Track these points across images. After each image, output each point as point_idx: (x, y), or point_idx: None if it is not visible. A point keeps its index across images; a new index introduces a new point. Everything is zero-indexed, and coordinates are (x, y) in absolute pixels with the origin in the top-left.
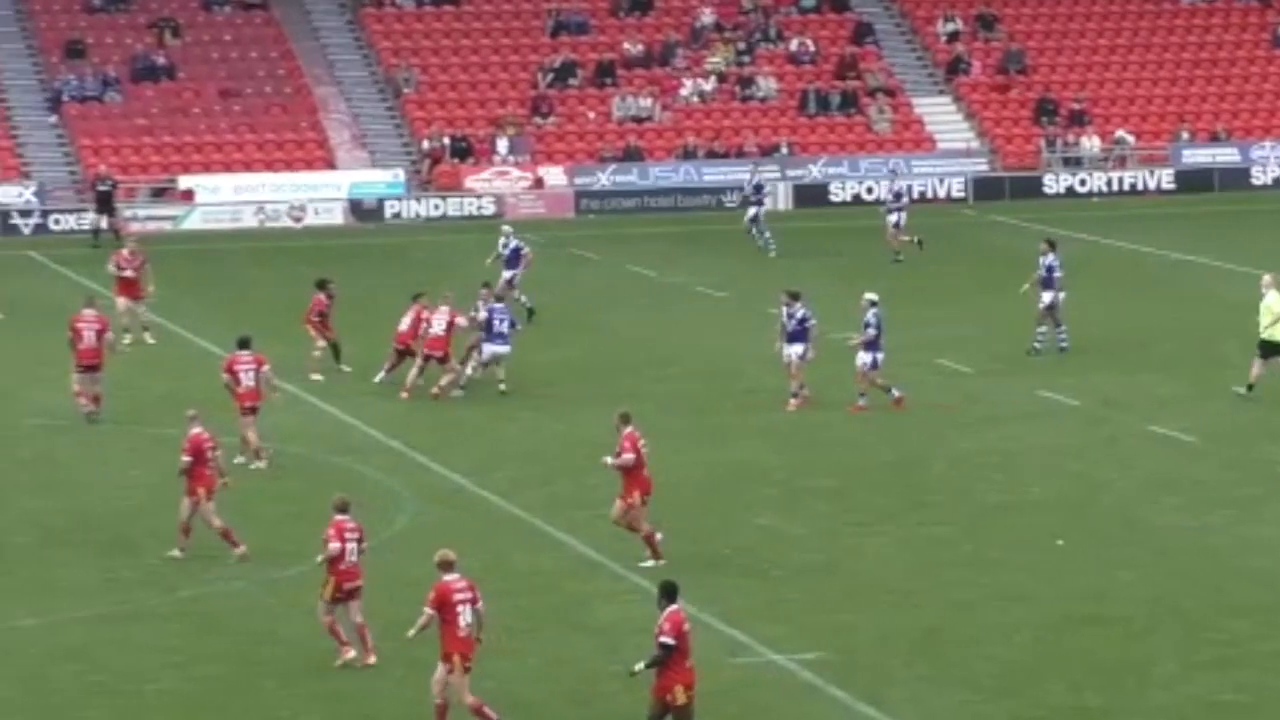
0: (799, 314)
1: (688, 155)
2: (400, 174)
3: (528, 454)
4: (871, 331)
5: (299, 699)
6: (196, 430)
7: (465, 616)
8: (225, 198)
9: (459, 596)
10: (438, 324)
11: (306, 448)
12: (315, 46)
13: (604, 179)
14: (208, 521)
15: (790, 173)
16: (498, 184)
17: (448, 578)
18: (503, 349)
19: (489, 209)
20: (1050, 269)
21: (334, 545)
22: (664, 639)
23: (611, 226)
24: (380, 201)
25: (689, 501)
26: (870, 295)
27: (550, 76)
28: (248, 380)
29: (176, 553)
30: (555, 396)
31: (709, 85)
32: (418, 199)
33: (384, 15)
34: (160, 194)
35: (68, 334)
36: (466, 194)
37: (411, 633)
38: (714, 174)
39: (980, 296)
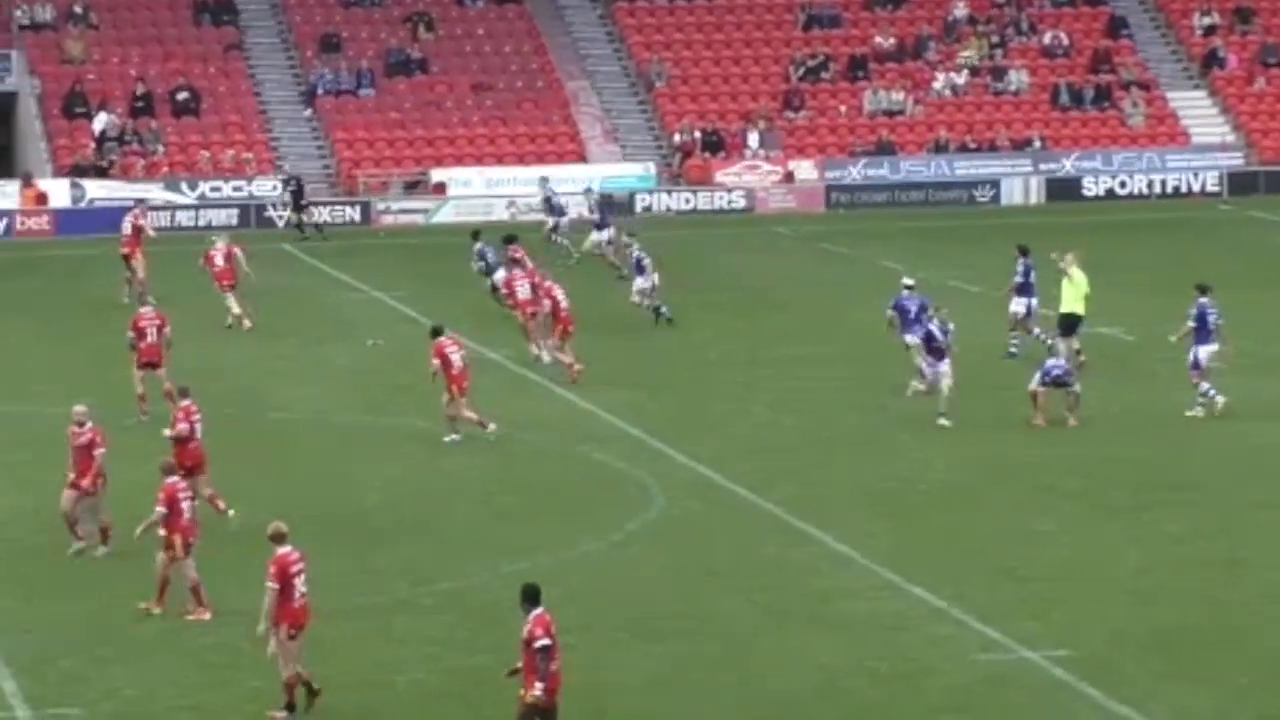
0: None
1: (939, 149)
2: (651, 167)
3: (771, 447)
4: (1194, 324)
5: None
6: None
7: (300, 586)
8: (476, 191)
9: (295, 568)
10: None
11: (546, 435)
12: (567, 40)
13: (855, 173)
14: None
15: (1042, 166)
16: (748, 178)
17: (282, 550)
18: None
19: (739, 203)
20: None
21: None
22: (540, 641)
23: (862, 221)
24: (631, 195)
25: (940, 498)
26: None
27: (802, 70)
28: (458, 361)
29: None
30: (800, 390)
31: (961, 79)
32: (668, 192)
33: (636, 9)
34: (412, 187)
35: (129, 333)
36: (717, 188)
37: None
38: (965, 168)
39: (1236, 293)
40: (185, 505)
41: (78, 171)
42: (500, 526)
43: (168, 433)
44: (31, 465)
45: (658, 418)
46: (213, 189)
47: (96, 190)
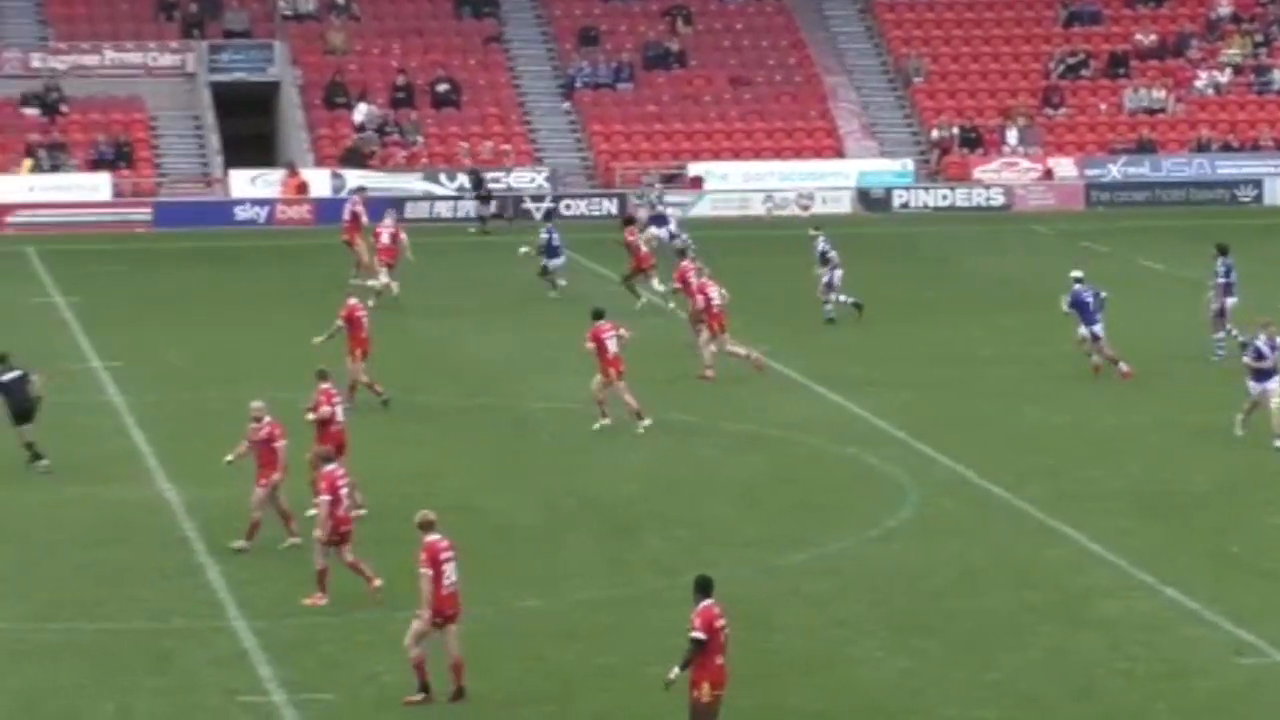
0: None
1: (1201, 148)
2: (909, 164)
3: (1034, 446)
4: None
5: (812, 688)
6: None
7: (450, 574)
8: (734, 185)
9: (445, 555)
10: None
11: (814, 437)
12: (825, 35)
13: (1115, 171)
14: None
15: None
16: (1006, 175)
17: (431, 537)
18: None
19: (997, 200)
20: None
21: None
22: (695, 634)
23: (1122, 219)
24: (888, 191)
25: (1199, 499)
26: None
27: (1062, 67)
28: (614, 347)
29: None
30: (1070, 389)
31: (1224, 77)
32: (926, 189)
33: (895, 4)
34: (670, 181)
35: (341, 323)
36: (974, 185)
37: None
38: (1228, 167)
39: None
40: (344, 492)
41: (349, 158)
42: (752, 521)
43: (310, 416)
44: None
45: (922, 415)
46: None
47: (356, 180)
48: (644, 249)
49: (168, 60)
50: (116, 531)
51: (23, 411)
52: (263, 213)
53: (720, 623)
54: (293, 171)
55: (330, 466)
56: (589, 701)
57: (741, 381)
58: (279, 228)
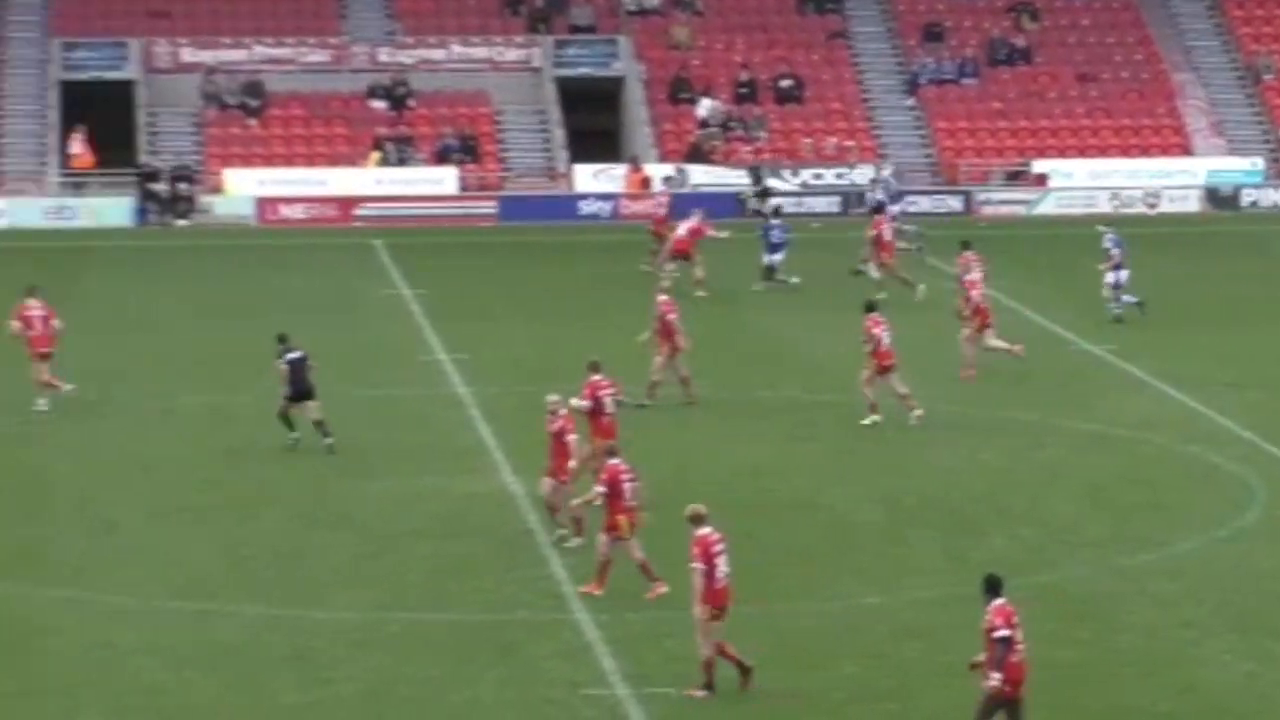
0: None
1: None
2: (1259, 162)
3: None
4: None
5: (1157, 689)
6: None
7: (723, 567)
8: (1078, 183)
9: (718, 548)
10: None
11: (1160, 436)
12: (1173, 32)
13: None
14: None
15: None
16: None
17: (702, 531)
18: None
19: None
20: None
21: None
22: (999, 633)
23: None
24: (1237, 189)
25: None
26: None
27: None
28: (885, 340)
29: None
30: None
31: None
32: (1276, 187)
33: (1245, 1)
34: (1014, 178)
35: (657, 324)
36: None
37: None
38: None
39: None
40: (627, 486)
41: (692, 154)
42: (1098, 521)
43: (575, 402)
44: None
45: (1271, 415)
46: (814, 176)
47: (699, 175)
48: (887, 238)
49: (514, 55)
50: (462, 524)
51: (304, 391)
52: (606, 207)
53: (1016, 619)
54: (636, 166)
55: (614, 460)
56: (930, 699)
57: (1085, 380)
58: (622, 222)
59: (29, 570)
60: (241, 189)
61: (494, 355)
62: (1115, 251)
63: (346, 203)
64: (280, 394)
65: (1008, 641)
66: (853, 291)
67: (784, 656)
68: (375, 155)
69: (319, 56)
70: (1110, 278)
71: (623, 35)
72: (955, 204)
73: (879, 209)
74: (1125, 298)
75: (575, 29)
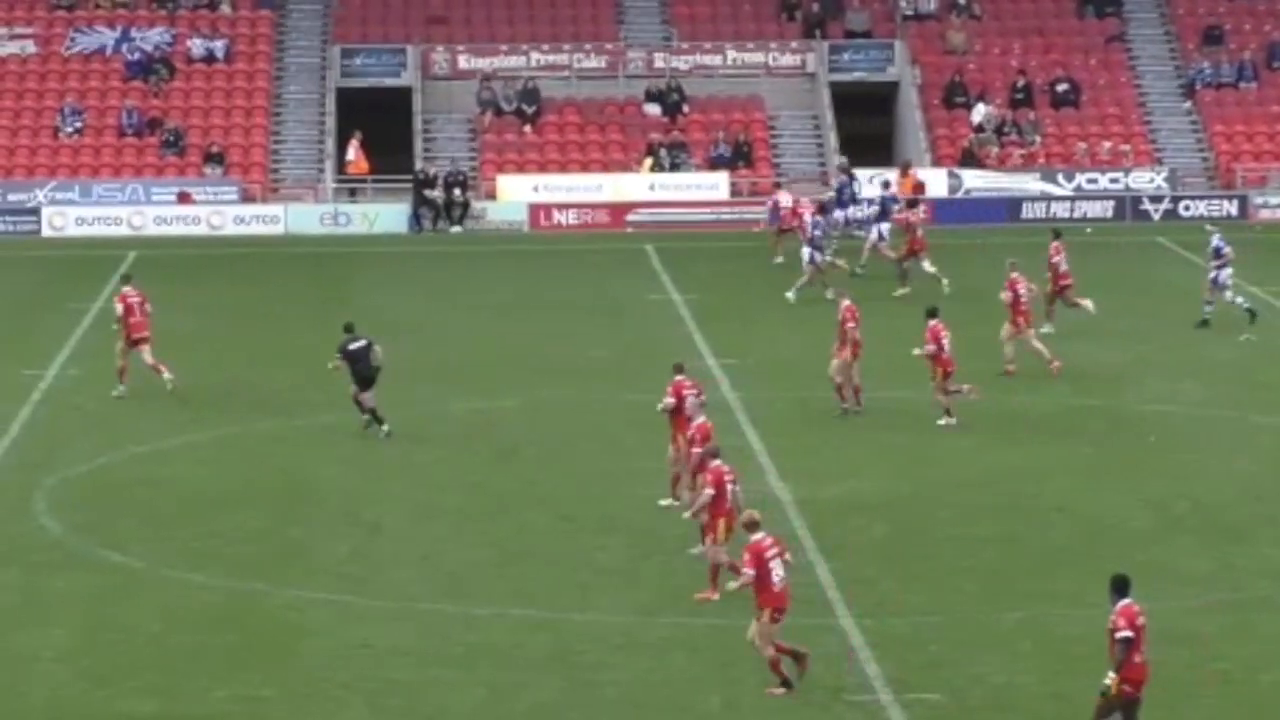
0: None
1: None
2: None
3: None
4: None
5: None
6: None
7: (778, 571)
8: None
9: (770, 553)
10: None
11: None
12: None
13: None
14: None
15: None
16: None
17: (755, 537)
18: None
19: None
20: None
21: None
22: (1121, 633)
23: None
24: None
25: None
26: None
27: None
28: (948, 346)
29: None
30: None
31: None
32: None
33: None
34: None
35: (840, 319)
36: None
37: (733, 585)
38: None
39: None
40: (730, 489)
41: (966, 159)
42: None
43: (659, 407)
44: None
45: None
46: (1089, 180)
47: (973, 180)
48: (919, 232)
49: (788, 60)
50: None
51: (366, 378)
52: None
53: (1141, 620)
54: (907, 171)
55: (716, 462)
56: (1200, 707)
57: None
58: (895, 227)
59: (293, 572)
60: (515, 195)
61: (762, 360)
62: (1226, 250)
63: (619, 209)
64: (350, 385)
65: (1129, 642)
66: (1125, 298)
67: (1047, 661)
68: (648, 161)
69: (594, 63)
70: (1215, 276)
71: (898, 40)
72: (1231, 208)
73: (914, 203)
74: (1236, 299)
75: (850, 34)
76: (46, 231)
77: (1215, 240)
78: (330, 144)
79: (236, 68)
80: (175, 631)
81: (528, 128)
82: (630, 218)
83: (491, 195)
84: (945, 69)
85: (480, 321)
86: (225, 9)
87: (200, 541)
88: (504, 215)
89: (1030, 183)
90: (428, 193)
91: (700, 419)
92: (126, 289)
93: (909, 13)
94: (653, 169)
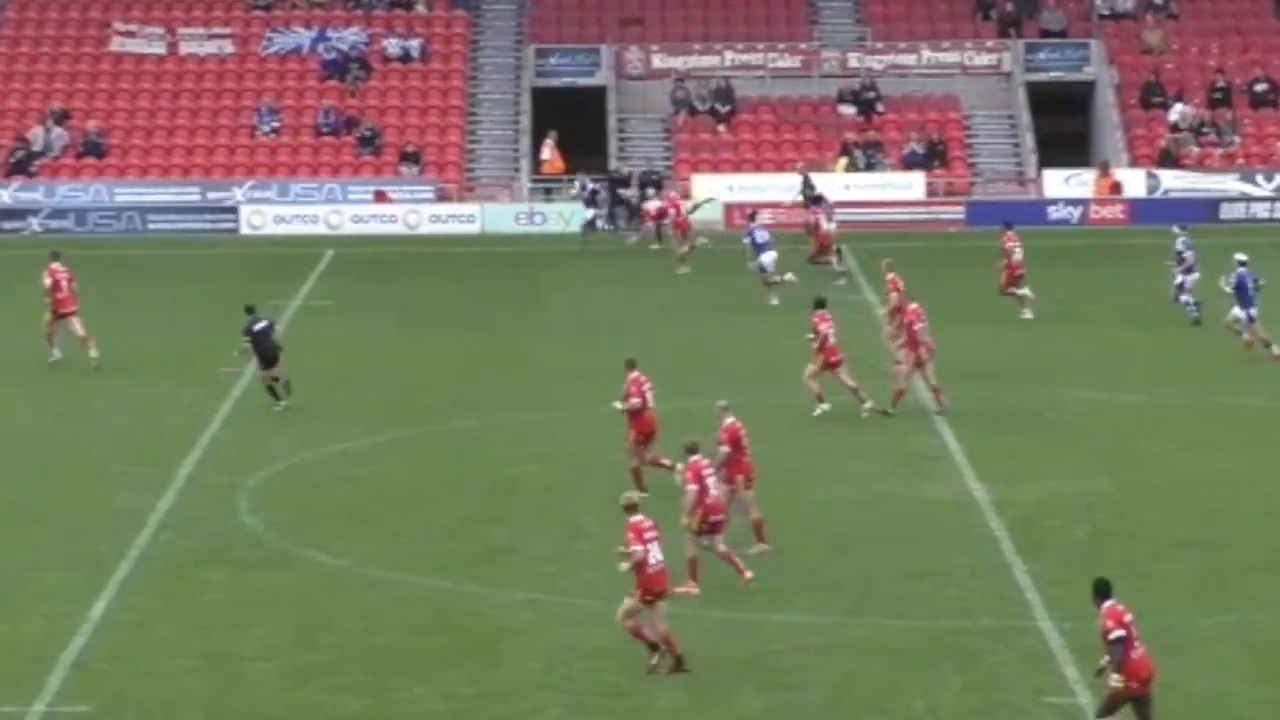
0: None
1: None
2: None
3: None
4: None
5: None
6: (730, 420)
7: (655, 554)
8: None
9: (649, 535)
10: None
11: None
12: None
13: None
14: (745, 509)
15: None
16: None
17: (635, 519)
18: None
19: None
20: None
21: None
22: (1113, 634)
23: None
24: None
25: None
26: None
27: None
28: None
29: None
30: None
31: None
32: None
33: None
34: None
35: (908, 322)
36: None
37: (624, 567)
38: None
39: None
40: (710, 482)
41: (1163, 159)
42: None
43: (618, 406)
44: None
45: None
46: None
47: (1171, 181)
48: (825, 227)
49: (983, 60)
50: (924, 529)
51: (269, 357)
52: (1076, 213)
53: (1128, 617)
54: (1105, 171)
55: (695, 457)
56: None
57: None
58: (1092, 227)
59: (493, 571)
60: (709, 194)
61: (956, 359)
62: (1187, 255)
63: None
64: (256, 367)
65: (1123, 641)
66: None
67: (1250, 667)
68: (843, 161)
69: (789, 62)
70: (1179, 280)
71: (1094, 39)
72: None
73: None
74: (1185, 298)
75: (1046, 33)
76: (245, 230)
77: (1178, 244)
78: (525, 143)
79: (432, 67)
80: (377, 630)
81: (722, 127)
82: None
83: (685, 195)
84: (1142, 69)
85: (672, 321)
86: (421, 9)
87: (400, 540)
88: (698, 215)
89: (1229, 183)
90: (621, 192)
91: (729, 420)
92: (55, 264)
93: (1105, 12)
94: (848, 169)
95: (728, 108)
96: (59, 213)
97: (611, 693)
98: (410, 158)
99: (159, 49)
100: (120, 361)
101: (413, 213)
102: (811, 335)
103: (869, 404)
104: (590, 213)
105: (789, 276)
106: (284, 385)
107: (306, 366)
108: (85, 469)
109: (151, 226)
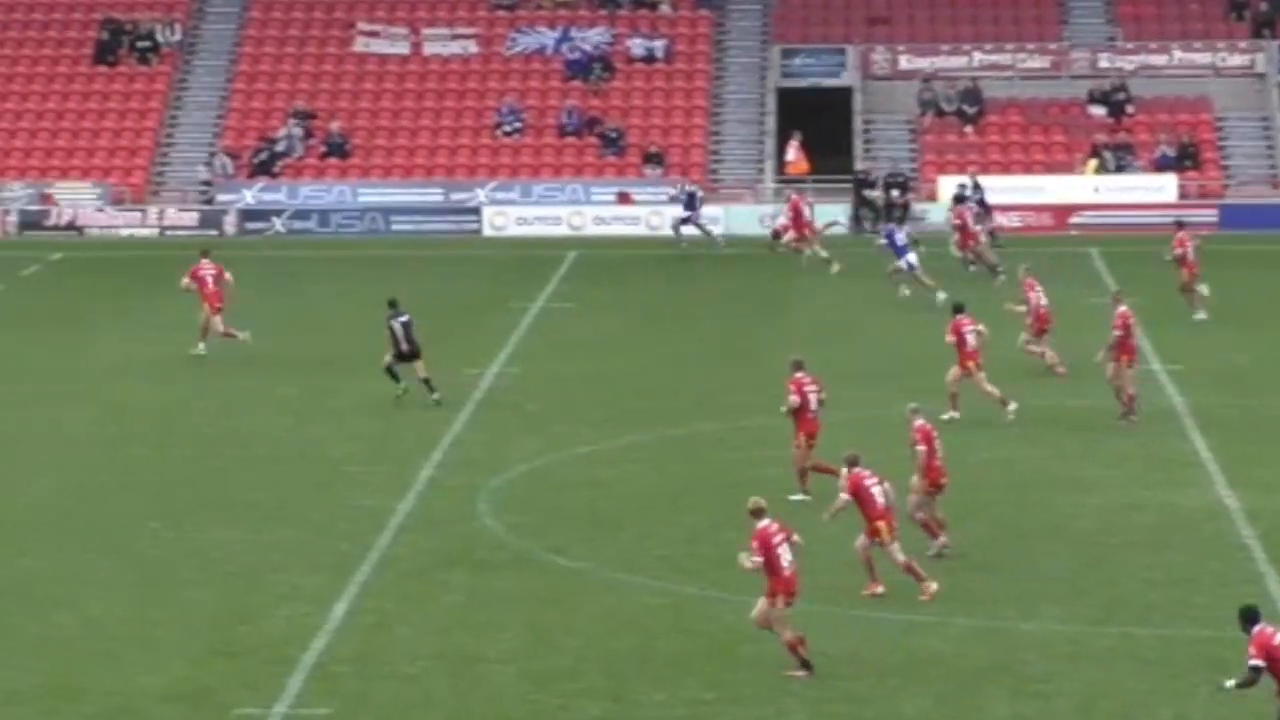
0: None
1: None
2: None
3: None
4: None
5: None
6: (920, 422)
7: (786, 555)
8: None
9: (778, 538)
10: None
11: None
12: None
13: None
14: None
15: None
16: None
17: (761, 523)
18: None
19: None
20: None
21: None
22: (1254, 662)
23: None
24: None
25: None
26: None
27: None
28: (973, 341)
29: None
30: None
31: None
32: None
33: None
34: None
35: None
36: None
37: (748, 565)
38: None
39: None
40: (875, 491)
41: None
42: None
43: (783, 409)
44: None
45: None
46: None
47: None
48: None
49: (1237, 60)
50: (1174, 536)
51: (409, 351)
52: None
53: (1277, 641)
54: None
55: (857, 469)
56: None
57: None
58: None
59: (733, 576)
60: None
61: (1208, 366)
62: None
63: (1062, 211)
64: (388, 352)
65: (1257, 671)
66: None
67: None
68: (1092, 163)
69: (1038, 63)
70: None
71: None
72: None
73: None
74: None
75: None
76: (487, 231)
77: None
78: (770, 144)
79: (676, 67)
80: (618, 634)
81: (969, 128)
82: (1074, 220)
83: (932, 197)
84: None
85: (918, 324)
86: (665, 9)
87: (641, 544)
88: (945, 217)
89: None
90: (867, 193)
91: (919, 421)
92: (204, 261)
93: None
94: (1097, 171)
95: (975, 109)
96: (302, 214)
97: (855, 699)
98: (653, 159)
99: (402, 49)
100: (361, 362)
101: (655, 214)
102: (979, 330)
103: (1012, 407)
104: (685, 214)
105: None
106: (427, 382)
107: (549, 369)
108: (325, 469)
109: (395, 227)
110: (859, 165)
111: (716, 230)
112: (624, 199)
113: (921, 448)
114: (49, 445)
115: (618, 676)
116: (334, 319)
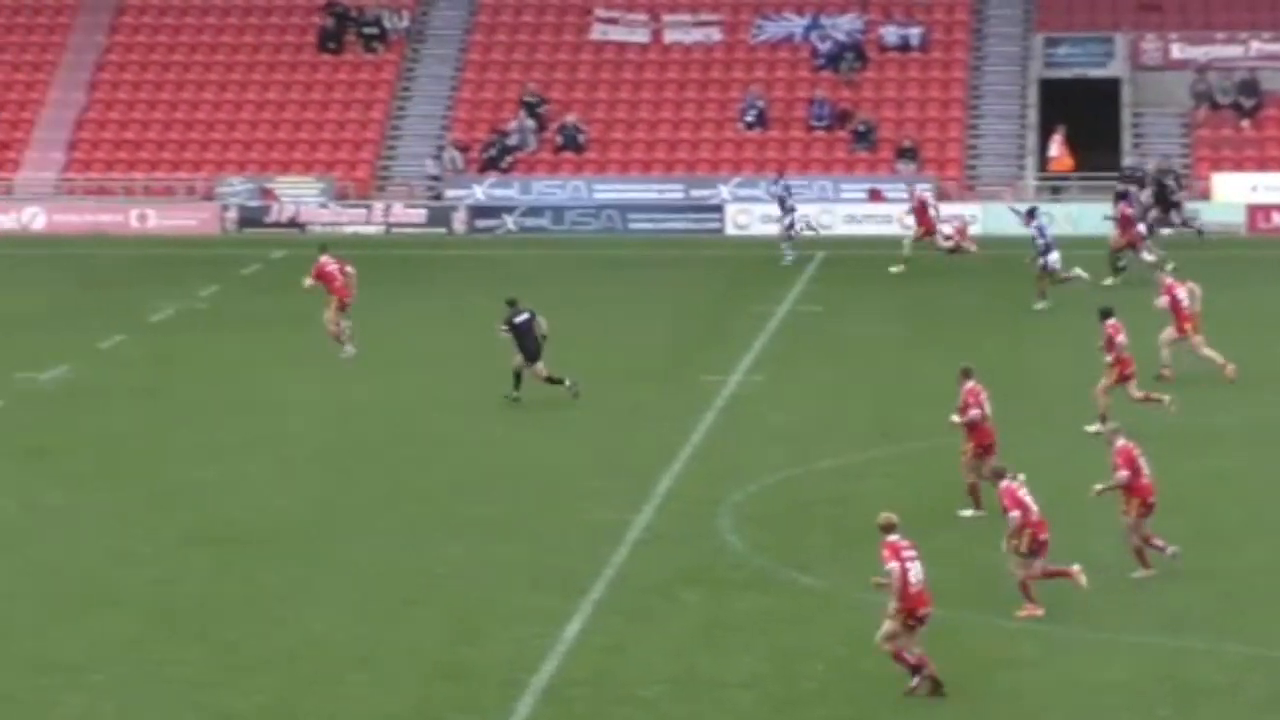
0: None
1: None
2: None
3: None
4: None
5: None
6: (1121, 443)
7: (915, 573)
8: None
9: (907, 554)
10: None
11: None
12: None
13: None
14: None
15: None
16: None
17: (891, 538)
18: None
19: None
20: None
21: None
22: None
23: None
24: None
25: None
26: None
27: None
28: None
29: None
30: None
31: None
32: None
33: None
34: None
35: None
36: None
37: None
38: None
39: None
40: (1029, 503)
41: None
42: None
43: (956, 419)
44: None
45: None
46: None
47: None
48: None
49: None
50: None
51: (531, 351)
52: None
53: None
54: None
55: (1006, 482)
56: None
57: None
58: None
59: (988, 597)
60: (1231, 195)
61: None
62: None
63: None
64: (515, 356)
65: None
66: None
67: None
68: None
69: None
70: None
71: None
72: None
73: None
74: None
75: None
76: (730, 230)
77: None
78: (1032, 139)
79: (932, 57)
80: (862, 657)
81: (1246, 123)
82: None
83: (1205, 195)
84: None
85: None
86: None
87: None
88: (1219, 216)
89: None
90: (1143, 195)
91: (1120, 442)
92: (324, 258)
93: None
94: None
95: (1253, 101)
96: (535, 210)
97: None
98: (907, 154)
99: (642, 37)
100: (597, 368)
101: (909, 213)
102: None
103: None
104: (789, 218)
105: (1077, 271)
106: (553, 379)
107: (794, 377)
108: (560, 483)
109: (632, 226)
110: (1127, 161)
111: (804, 230)
112: (876, 196)
113: (1124, 473)
114: (275, 454)
115: (862, 702)
116: (568, 321)
